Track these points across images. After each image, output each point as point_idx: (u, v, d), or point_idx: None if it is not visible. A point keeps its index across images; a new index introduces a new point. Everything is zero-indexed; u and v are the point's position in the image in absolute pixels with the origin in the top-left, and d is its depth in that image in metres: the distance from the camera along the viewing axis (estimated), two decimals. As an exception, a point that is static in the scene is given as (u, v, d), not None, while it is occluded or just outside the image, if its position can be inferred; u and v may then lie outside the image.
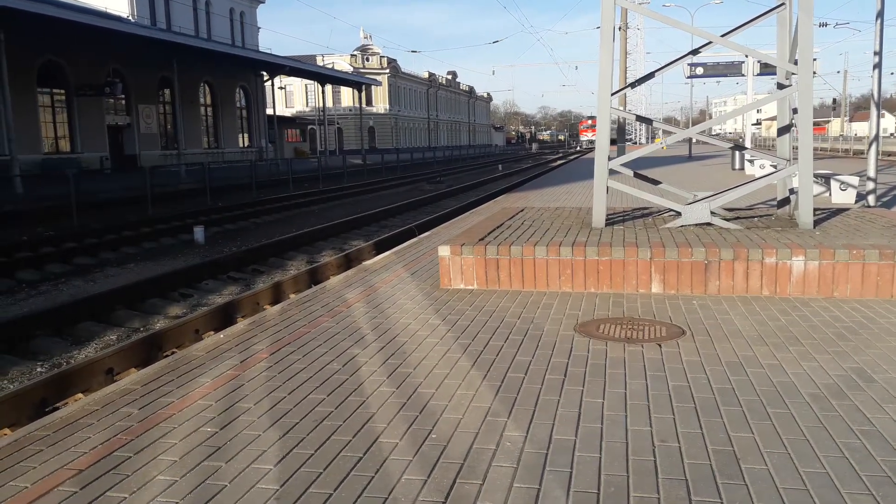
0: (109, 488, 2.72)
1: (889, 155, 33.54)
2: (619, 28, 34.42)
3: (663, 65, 7.44)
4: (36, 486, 2.74)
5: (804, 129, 6.50)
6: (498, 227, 7.18)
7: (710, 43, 7.29)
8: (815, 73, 6.50)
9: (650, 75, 7.73)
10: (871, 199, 10.86)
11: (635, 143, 77.03)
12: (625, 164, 7.66)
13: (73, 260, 11.53)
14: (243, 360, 4.28)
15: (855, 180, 11.73)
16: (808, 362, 3.96)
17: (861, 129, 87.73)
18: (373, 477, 2.76)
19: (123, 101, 35.88)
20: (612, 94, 6.92)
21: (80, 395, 5.02)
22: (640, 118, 8.05)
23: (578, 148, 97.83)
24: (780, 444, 2.94)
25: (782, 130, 7.40)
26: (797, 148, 6.78)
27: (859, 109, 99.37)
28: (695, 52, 7.49)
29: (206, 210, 18.61)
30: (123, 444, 3.11)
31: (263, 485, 2.72)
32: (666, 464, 2.80)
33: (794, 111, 7.23)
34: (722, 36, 7.13)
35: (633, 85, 7.51)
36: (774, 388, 3.58)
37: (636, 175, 7.89)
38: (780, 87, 7.32)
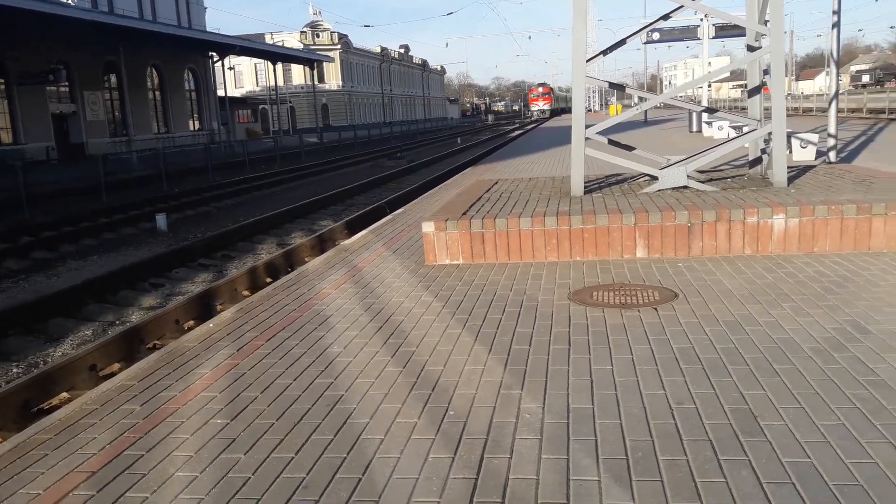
0: (128, 489, 2.63)
1: (839, 112, 34.41)
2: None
3: (635, 31, 7.46)
4: (49, 492, 2.64)
5: (777, 89, 6.58)
6: (477, 201, 7.15)
7: (680, 7, 7.30)
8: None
9: (622, 42, 7.71)
10: (832, 155, 11.12)
11: (590, 110, 77.34)
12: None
13: (31, 254, 11.15)
14: (240, 349, 4.18)
15: (814, 137, 11.98)
16: (803, 318, 4.04)
17: (806, 87, 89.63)
18: (399, 458, 2.73)
19: (67, 89, 34.59)
20: (588, 61, 6.89)
21: (64, 394, 4.86)
22: (613, 85, 8.06)
23: (531, 118, 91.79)
24: (792, 400, 2.99)
25: (753, 92, 7.49)
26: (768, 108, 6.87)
27: (804, 69, 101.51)
28: (666, 16, 7.49)
29: (164, 197, 18.15)
30: (133, 443, 3.01)
31: (289, 474, 2.67)
32: (687, 426, 2.82)
33: (765, 72, 7.31)
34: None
35: (605, 52, 7.50)
36: (776, 344, 3.65)
37: (610, 142, 7.91)
38: (750, 49, 7.38)
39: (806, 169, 8.09)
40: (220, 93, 45.95)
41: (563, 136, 28.72)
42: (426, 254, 6.13)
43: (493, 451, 2.73)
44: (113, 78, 37.33)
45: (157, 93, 42.18)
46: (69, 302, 7.30)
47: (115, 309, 7.37)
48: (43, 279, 9.46)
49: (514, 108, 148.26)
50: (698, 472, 2.47)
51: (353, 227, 10.72)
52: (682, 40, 27.47)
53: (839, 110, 35.88)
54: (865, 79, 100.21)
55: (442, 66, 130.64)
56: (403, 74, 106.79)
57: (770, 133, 6.83)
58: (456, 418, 3.04)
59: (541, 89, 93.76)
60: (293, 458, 2.79)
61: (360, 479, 2.60)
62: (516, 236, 5.94)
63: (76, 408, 3.46)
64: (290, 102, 74.61)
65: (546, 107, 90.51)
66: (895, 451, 2.53)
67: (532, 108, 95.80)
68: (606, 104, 74.72)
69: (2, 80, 30.62)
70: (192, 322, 6.42)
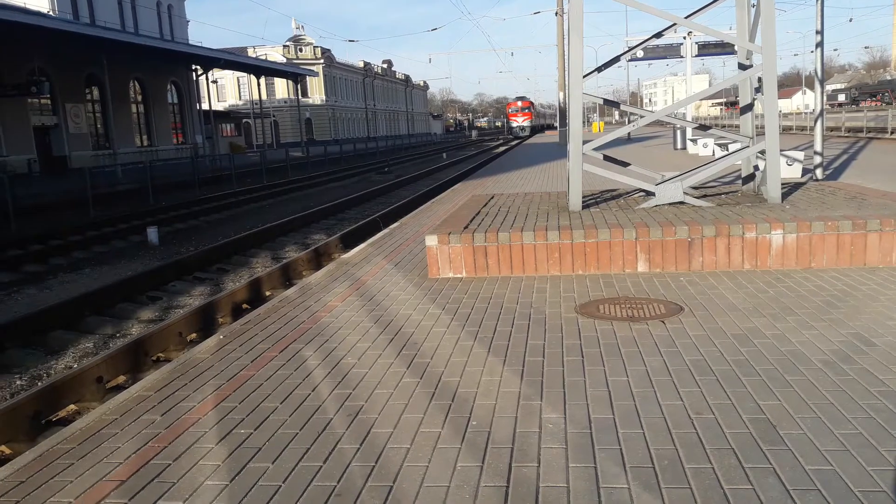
0: (160, 497, 2.64)
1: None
2: (556, 14, 34.83)
3: (629, 48, 7.61)
4: (81, 500, 2.65)
5: (770, 107, 6.74)
6: (477, 215, 7.22)
7: (673, 25, 7.46)
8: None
9: (616, 59, 7.87)
10: (818, 172, 11.35)
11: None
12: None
13: (22, 268, 11.04)
14: (253, 360, 4.20)
15: (800, 155, 12.22)
16: (809, 331, 4.13)
17: (784, 105, 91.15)
18: (427, 466, 2.76)
19: (49, 101, 34.31)
20: (584, 77, 7.01)
21: (72, 406, 4.83)
22: (608, 101, 8.21)
23: (511, 135, 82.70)
24: (808, 410, 3.07)
25: (745, 109, 7.65)
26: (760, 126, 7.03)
27: (781, 87, 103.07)
28: (658, 34, 7.66)
29: (152, 210, 18.07)
30: (159, 452, 3.02)
31: (319, 482, 2.69)
32: (708, 435, 2.89)
33: (756, 90, 7.48)
34: (686, 18, 7.30)
35: (600, 69, 7.64)
36: (785, 356, 3.73)
37: (605, 158, 8.03)
38: (742, 67, 7.55)
39: (797, 186, 8.26)
40: (204, 106, 45.84)
41: (549, 153, 28.97)
42: (429, 267, 6.18)
43: (520, 460, 2.77)
44: (95, 90, 37.14)
45: (140, 106, 42.00)
46: (69, 314, 7.24)
47: (115, 322, 7.32)
48: (35, 292, 9.37)
49: (496, 124, 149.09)
50: (725, 480, 2.53)
51: (347, 241, 10.75)
52: (664, 58, 27.96)
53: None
54: (841, 98, 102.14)
55: (425, 82, 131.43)
56: (387, 89, 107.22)
57: (763, 150, 6.98)
58: (479, 428, 3.08)
59: (520, 103, 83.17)
60: (321, 466, 2.82)
61: (391, 487, 2.63)
62: (519, 250, 6.01)
63: (96, 418, 3.45)
64: (274, 116, 74.51)
65: (526, 123, 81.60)
66: (912, 458, 2.61)
67: (510, 125, 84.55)
68: (588, 121, 75.13)
69: (-16, 92, 30.34)
70: (194, 335, 6.42)
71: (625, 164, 8.07)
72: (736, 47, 7.77)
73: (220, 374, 3.99)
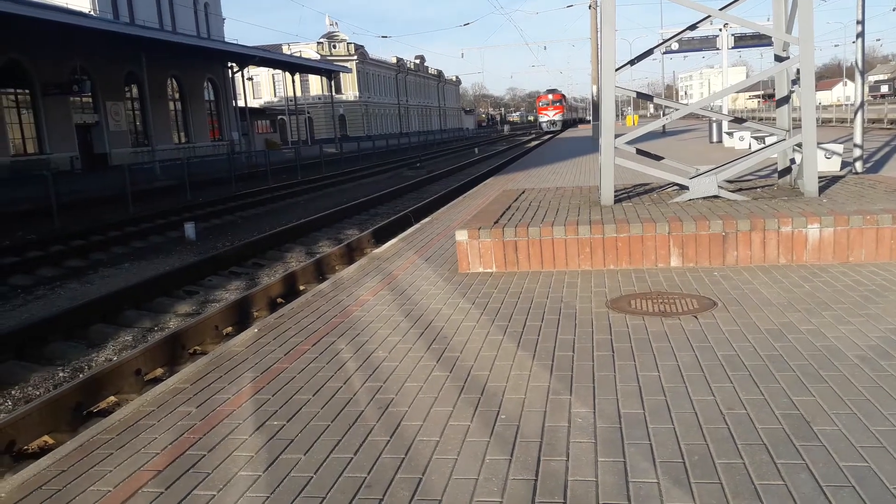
0: (195, 487, 2.71)
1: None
2: (590, 7, 34.51)
3: (664, 40, 7.52)
4: (119, 489, 2.73)
5: (807, 99, 6.61)
6: (507, 210, 7.21)
7: (707, 17, 7.35)
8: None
9: (649, 52, 7.78)
10: (858, 165, 11.09)
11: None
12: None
13: (64, 262, 11.33)
14: (287, 353, 4.27)
15: (839, 148, 11.95)
16: (845, 326, 4.06)
17: (824, 97, 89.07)
18: (456, 459, 2.79)
19: (90, 99, 35.09)
20: (617, 70, 6.96)
21: (112, 397, 4.97)
22: (641, 95, 8.12)
23: (542, 130, 77.56)
24: (844, 406, 3.02)
25: (781, 102, 7.51)
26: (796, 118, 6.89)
27: (821, 79, 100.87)
28: (693, 27, 7.55)
29: (189, 206, 18.37)
30: (194, 443, 3.09)
31: (350, 474, 2.73)
32: (740, 430, 2.86)
33: (793, 82, 7.34)
34: (720, 10, 7.19)
35: (632, 62, 7.57)
36: (820, 352, 3.67)
37: (638, 152, 7.95)
38: (778, 59, 7.41)
39: (835, 179, 8.09)
40: (239, 103, 46.41)
41: (581, 147, 28.75)
42: (460, 262, 6.20)
43: (549, 454, 2.78)
44: (134, 88, 37.86)
45: (178, 103, 42.70)
46: (108, 308, 7.42)
47: (153, 315, 7.49)
48: (77, 286, 9.62)
49: (529, 118, 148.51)
50: (756, 475, 2.51)
51: (379, 236, 10.83)
52: (700, 50, 27.56)
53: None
54: (884, 89, 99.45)
55: (457, 77, 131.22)
56: (419, 85, 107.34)
57: (799, 143, 6.85)
58: (508, 422, 3.10)
59: (550, 96, 76.02)
60: (352, 458, 2.86)
61: (420, 479, 2.66)
62: (549, 245, 6.00)
63: (134, 409, 3.55)
64: (308, 113, 75.13)
65: (557, 117, 74.94)
66: (951, 456, 2.56)
67: (540, 119, 78.10)
68: (622, 114, 73.82)
69: (27, 91, 31.15)
70: (230, 328, 6.53)
71: (658, 158, 7.98)
72: (773, 39, 7.62)
73: (255, 366, 4.06)
